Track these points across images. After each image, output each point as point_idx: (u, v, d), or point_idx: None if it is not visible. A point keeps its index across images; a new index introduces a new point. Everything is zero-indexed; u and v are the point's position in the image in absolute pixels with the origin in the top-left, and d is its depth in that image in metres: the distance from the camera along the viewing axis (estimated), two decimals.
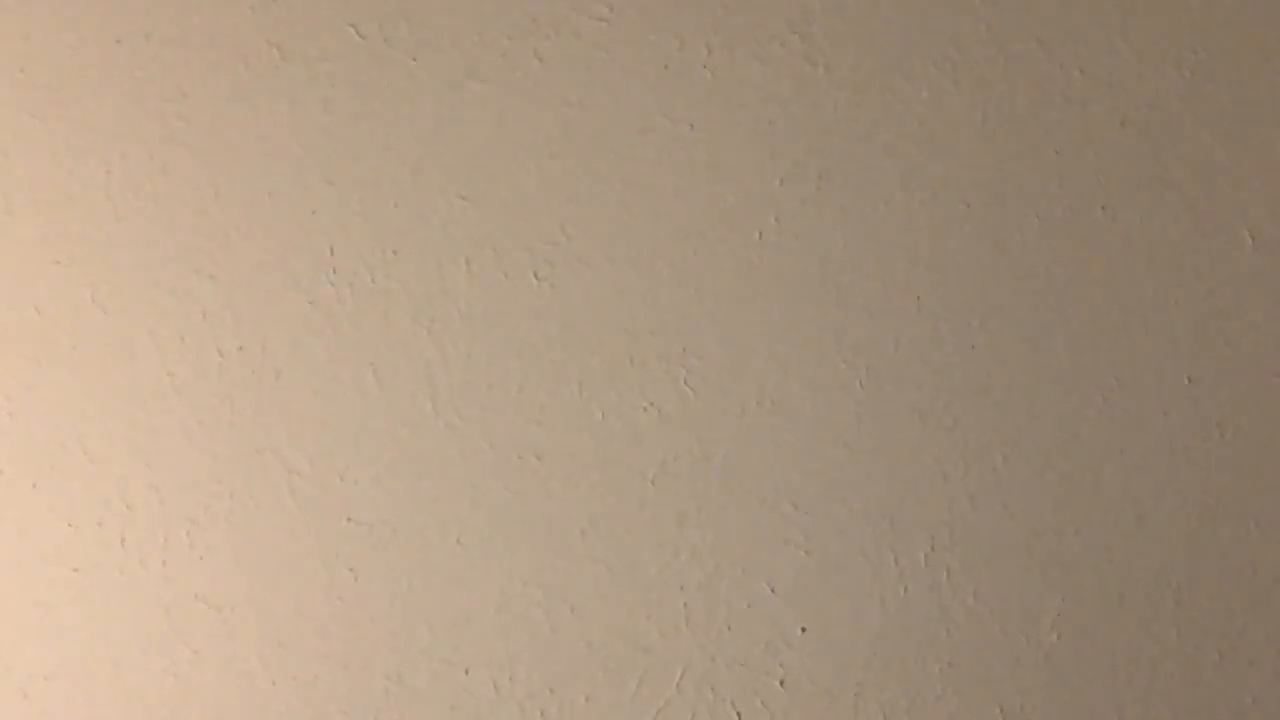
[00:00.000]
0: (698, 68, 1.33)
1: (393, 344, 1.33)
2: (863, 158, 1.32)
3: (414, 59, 1.35)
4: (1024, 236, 1.30)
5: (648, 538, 1.31)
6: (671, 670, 1.30)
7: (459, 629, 1.31)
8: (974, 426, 1.30)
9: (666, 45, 1.34)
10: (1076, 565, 1.28)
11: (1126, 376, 1.29)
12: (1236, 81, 1.30)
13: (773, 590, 1.30)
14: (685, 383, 1.32)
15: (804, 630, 1.30)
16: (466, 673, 1.31)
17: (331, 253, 1.34)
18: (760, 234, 1.32)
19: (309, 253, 1.35)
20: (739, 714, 1.30)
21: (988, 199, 1.31)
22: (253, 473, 1.33)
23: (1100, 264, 1.30)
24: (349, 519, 1.32)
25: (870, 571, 1.30)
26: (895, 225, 1.31)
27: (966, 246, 1.31)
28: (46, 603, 1.34)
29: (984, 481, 1.29)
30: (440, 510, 1.32)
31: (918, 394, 1.30)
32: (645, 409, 1.32)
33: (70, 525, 1.34)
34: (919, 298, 1.31)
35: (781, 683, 1.30)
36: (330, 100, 1.35)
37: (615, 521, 1.31)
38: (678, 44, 1.33)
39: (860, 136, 1.32)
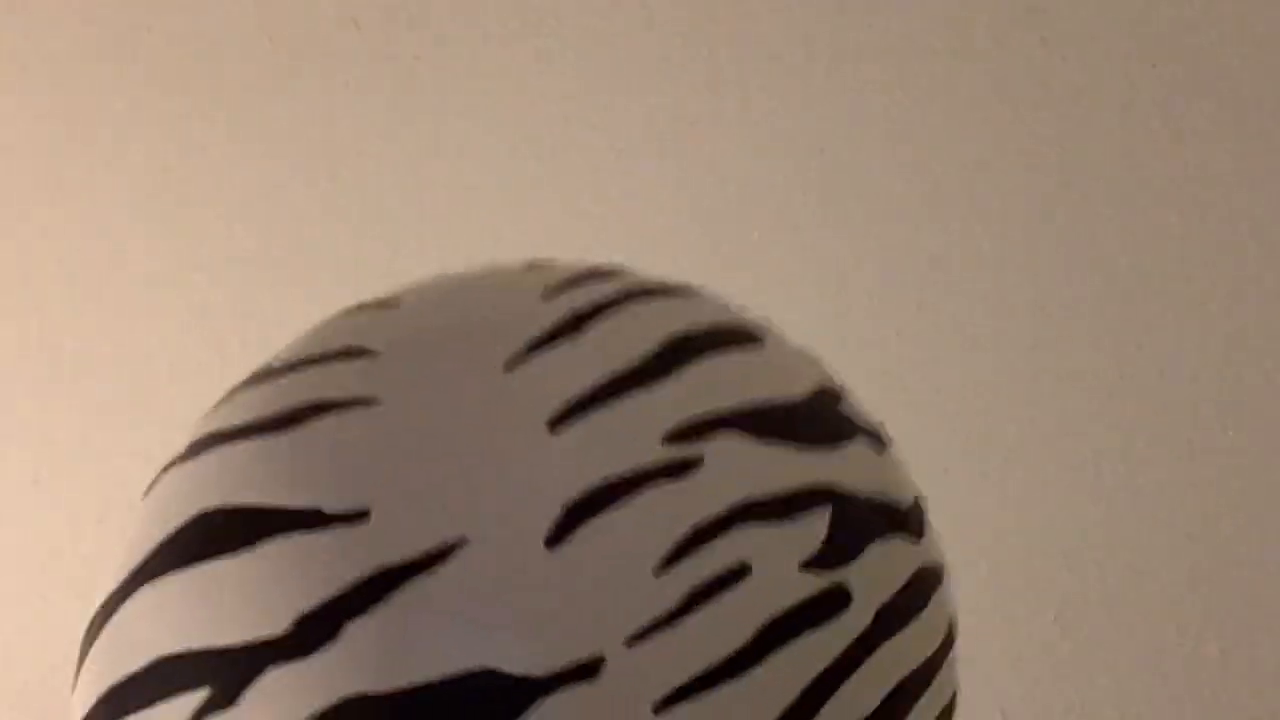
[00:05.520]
0: (700, 62, 1.34)
1: None
2: (863, 153, 1.32)
3: (416, 56, 1.35)
4: (1026, 232, 1.31)
5: None
6: None
7: None
8: (975, 421, 1.30)
9: (669, 41, 1.34)
10: (1078, 561, 1.28)
11: (1129, 372, 1.29)
12: (1241, 78, 1.30)
13: None
14: None
15: None
16: None
17: (333, 250, 1.35)
18: (763, 229, 1.32)
19: (310, 249, 1.35)
20: None
21: (990, 194, 1.31)
22: None
23: (1102, 261, 1.30)
24: None
25: None
26: (896, 220, 1.31)
27: (968, 241, 1.31)
28: (48, 598, 1.34)
29: (985, 477, 1.29)
30: None
31: (919, 388, 1.30)
32: None
33: (71, 521, 1.34)
34: (920, 291, 1.31)
35: None
36: (331, 96, 1.36)
37: None
38: (680, 40, 1.34)
39: (861, 131, 1.32)
